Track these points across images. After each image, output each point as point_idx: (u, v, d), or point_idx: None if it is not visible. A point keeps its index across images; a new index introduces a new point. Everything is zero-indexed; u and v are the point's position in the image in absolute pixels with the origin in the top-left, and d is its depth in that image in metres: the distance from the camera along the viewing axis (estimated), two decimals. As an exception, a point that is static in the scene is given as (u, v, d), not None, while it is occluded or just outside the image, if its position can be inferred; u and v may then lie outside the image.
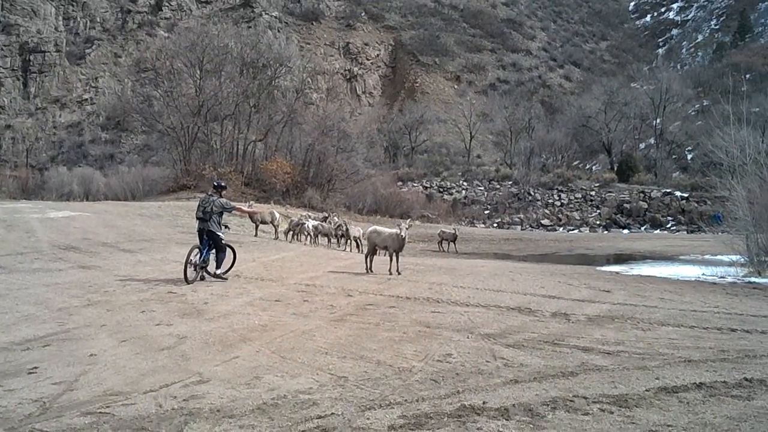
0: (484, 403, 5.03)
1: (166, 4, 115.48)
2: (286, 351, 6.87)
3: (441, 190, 67.08)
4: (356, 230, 25.11)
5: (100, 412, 4.81)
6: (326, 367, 6.21)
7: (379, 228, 15.57)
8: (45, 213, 27.77)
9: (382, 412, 4.84)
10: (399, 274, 14.43)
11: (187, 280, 11.88)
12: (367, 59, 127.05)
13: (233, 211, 13.55)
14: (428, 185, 68.40)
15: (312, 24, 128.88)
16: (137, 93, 70.41)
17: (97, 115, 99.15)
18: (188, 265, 11.99)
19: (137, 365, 6.23)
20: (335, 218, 29.01)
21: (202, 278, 12.58)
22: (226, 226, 13.35)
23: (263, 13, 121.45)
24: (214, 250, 12.76)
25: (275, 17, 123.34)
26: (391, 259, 14.69)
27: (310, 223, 25.65)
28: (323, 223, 26.64)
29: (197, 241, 12.75)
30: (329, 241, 26.12)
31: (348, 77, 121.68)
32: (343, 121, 57.03)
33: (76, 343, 7.22)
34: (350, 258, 19.81)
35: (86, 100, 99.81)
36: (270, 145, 54.63)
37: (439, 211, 57.78)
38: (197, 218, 12.64)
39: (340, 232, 25.29)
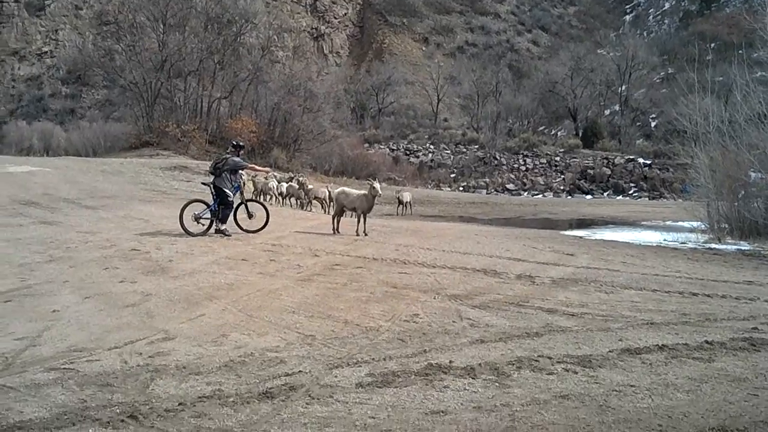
0: (450, 362, 5.08)
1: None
2: (253, 309, 6.84)
3: (408, 152, 66.95)
4: (322, 191, 24.84)
5: (65, 368, 4.74)
6: (293, 325, 6.20)
7: (347, 189, 15.51)
8: (4, 167, 27.20)
9: (350, 370, 4.86)
10: (366, 235, 14.41)
11: (187, 231, 12.50)
12: (335, 18, 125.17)
13: (246, 169, 14.44)
14: (395, 147, 68.18)
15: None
16: (99, 46, 68.81)
17: (58, 69, 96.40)
18: (184, 218, 12.57)
19: (101, 322, 6.15)
20: (300, 178, 28.69)
21: (218, 231, 13.02)
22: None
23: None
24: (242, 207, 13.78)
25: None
26: (358, 221, 14.65)
27: (275, 184, 25.40)
28: (291, 184, 26.37)
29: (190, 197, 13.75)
30: (298, 203, 25.92)
31: (315, 36, 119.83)
32: (310, 80, 56.19)
33: (38, 299, 7.10)
34: (317, 219, 19.73)
35: (46, 52, 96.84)
36: (235, 103, 53.75)
37: (406, 174, 57.74)
38: (209, 173, 13.61)
39: (302, 191, 25.00)
